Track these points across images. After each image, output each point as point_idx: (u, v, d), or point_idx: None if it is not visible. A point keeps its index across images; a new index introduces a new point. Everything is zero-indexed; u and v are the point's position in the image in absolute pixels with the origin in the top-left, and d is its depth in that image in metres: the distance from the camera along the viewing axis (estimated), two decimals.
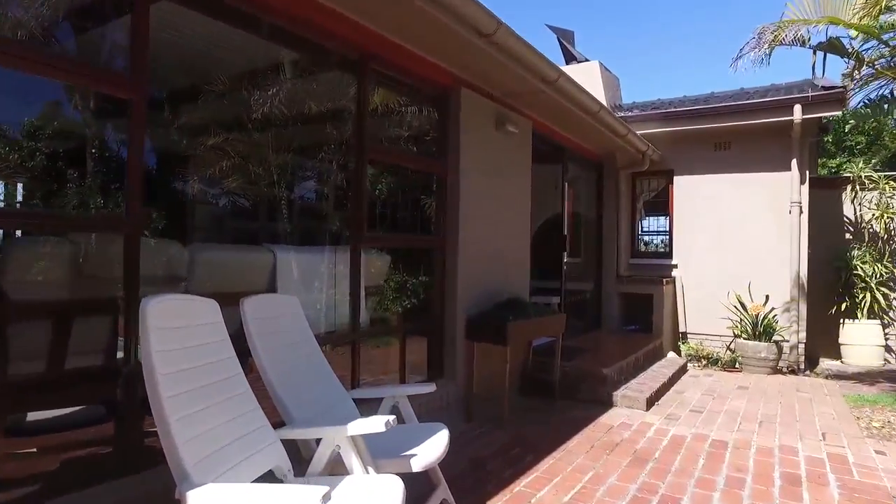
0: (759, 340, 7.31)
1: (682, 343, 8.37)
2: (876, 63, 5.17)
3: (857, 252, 8.66)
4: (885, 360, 8.61)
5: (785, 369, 7.48)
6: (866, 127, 16.52)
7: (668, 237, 8.82)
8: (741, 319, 7.59)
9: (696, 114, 7.97)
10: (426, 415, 4.34)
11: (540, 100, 5.43)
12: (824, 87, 7.46)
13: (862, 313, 8.43)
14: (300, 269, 3.81)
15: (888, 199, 8.55)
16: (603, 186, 8.46)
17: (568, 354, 5.95)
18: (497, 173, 5.33)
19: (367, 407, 2.97)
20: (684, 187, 8.56)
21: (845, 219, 9.18)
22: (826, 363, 8.40)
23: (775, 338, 7.35)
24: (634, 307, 8.42)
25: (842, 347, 8.66)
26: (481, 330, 4.71)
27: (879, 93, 11.89)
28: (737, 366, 7.42)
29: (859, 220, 9.04)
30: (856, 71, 5.56)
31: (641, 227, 9.29)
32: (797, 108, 7.24)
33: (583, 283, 8.25)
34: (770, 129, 7.77)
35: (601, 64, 8.88)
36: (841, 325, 8.63)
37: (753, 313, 7.41)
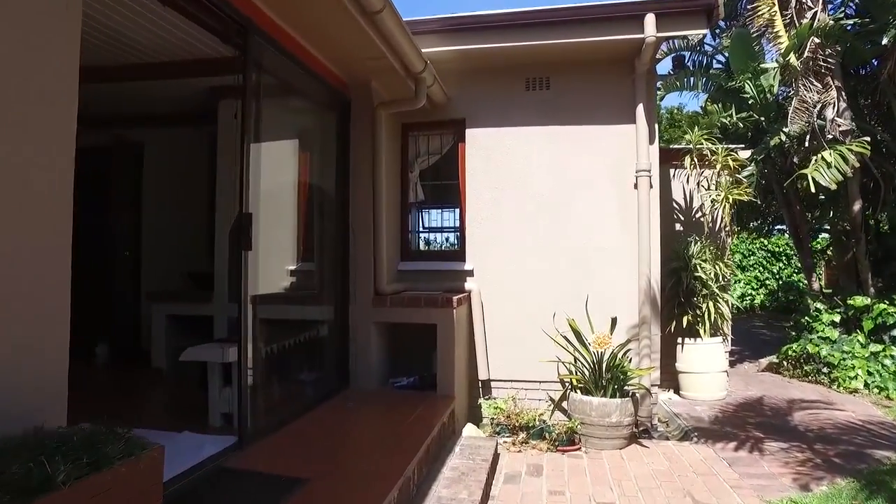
0: (607, 394, 4.35)
1: (485, 399, 5.14)
2: None
3: (695, 248, 6.42)
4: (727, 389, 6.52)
5: (637, 430, 4.66)
6: (659, 114, 15.90)
7: (458, 228, 5.57)
8: (577, 360, 4.58)
9: (499, 22, 4.84)
10: None
11: None
12: None
13: (705, 330, 6.16)
14: None
15: (730, 179, 6.44)
16: (350, 139, 4.84)
17: None
18: None
19: None
20: (483, 147, 5.39)
21: (675, 204, 6.97)
22: (663, 399, 5.98)
23: (629, 385, 4.47)
24: (407, 346, 4.97)
25: (680, 376, 6.34)
26: None
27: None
28: (576, 440, 4.36)
29: (693, 206, 6.89)
30: None
31: (419, 213, 5.94)
32: (650, 18, 4.52)
33: (316, 307, 4.50)
34: (606, 56, 4.98)
35: None
36: (679, 347, 6.30)
37: (597, 349, 4.44)
